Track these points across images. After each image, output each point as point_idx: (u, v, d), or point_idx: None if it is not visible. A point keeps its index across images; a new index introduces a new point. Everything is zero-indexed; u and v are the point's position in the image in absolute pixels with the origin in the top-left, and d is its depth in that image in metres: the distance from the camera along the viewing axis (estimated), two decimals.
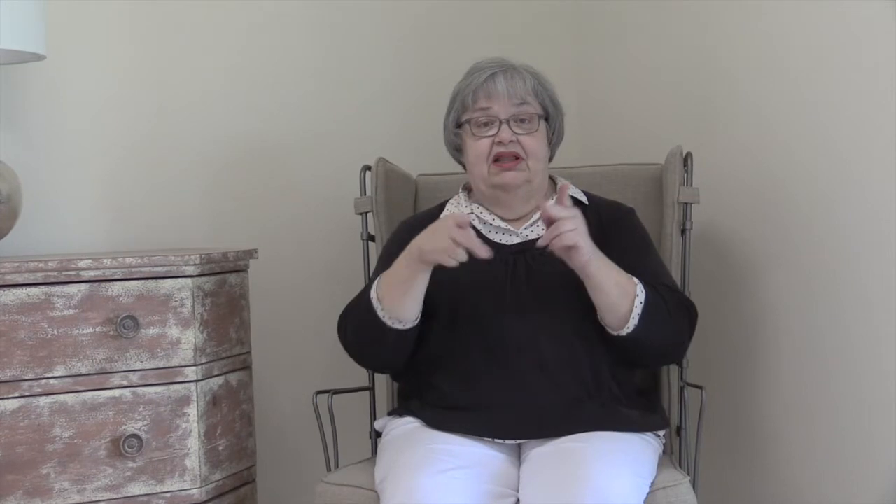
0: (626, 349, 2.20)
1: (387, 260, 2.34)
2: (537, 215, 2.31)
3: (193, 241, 2.80)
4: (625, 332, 2.17)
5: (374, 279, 2.28)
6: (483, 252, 2.10)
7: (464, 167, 2.41)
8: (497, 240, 2.31)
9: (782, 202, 2.49)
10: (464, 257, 2.10)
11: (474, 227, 2.30)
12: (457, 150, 2.38)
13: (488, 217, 2.32)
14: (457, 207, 2.38)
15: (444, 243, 2.10)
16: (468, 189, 2.42)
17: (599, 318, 2.20)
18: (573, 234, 2.09)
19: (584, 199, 2.37)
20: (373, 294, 2.21)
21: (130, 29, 2.74)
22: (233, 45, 2.85)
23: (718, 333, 2.65)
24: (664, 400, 2.43)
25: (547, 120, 2.33)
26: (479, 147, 2.28)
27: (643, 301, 2.16)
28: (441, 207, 2.42)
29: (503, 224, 2.32)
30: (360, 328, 2.24)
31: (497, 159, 2.27)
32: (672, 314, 2.20)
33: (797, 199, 2.45)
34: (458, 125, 2.33)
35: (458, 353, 2.22)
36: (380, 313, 2.19)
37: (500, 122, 2.27)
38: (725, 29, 2.63)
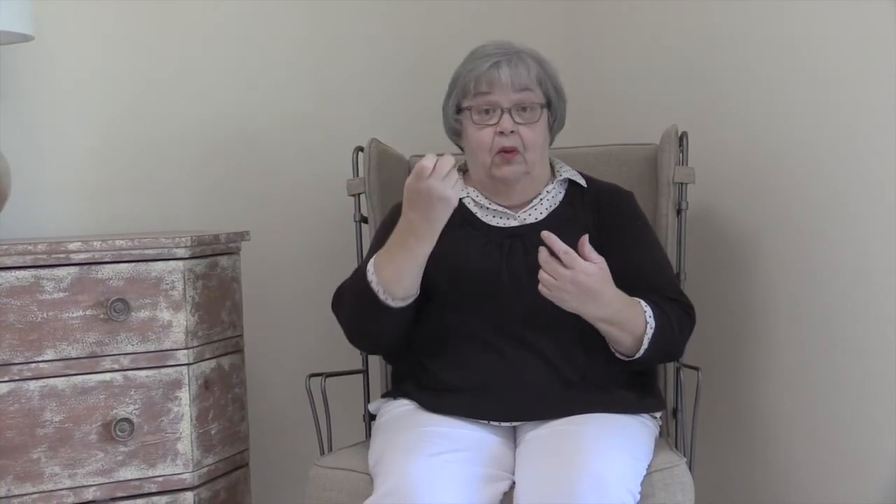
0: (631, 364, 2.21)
1: (380, 244, 2.32)
2: (536, 199, 2.31)
3: (185, 223, 2.78)
4: (633, 357, 2.18)
5: (364, 262, 2.26)
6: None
7: (461, 150, 2.39)
8: (493, 223, 2.29)
9: (779, 181, 2.47)
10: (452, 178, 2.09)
11: (469, 210, 2.30)
12: (456, 135, 2.36)
13: (484, 201, 2.31)
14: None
15: (450, 184, 2.08)
16: (463, 171, 2.40)
17: (609, 344, 2.19)
18: (592, 279, 2.07)
19: (581, 181, 2.35)
20: (370, 271, 2.18)
21: (118, 10, 2.72)
22: (222, 25, 2.82)
23: (715, 315, 2.64)
24: (660, 382, 2.42)
25: (549, 108, 2.30)
26: (481, 137, 2.26)
27: (653, 328, 2.15)
28: None
29: (500, 208, 2.30)
30: (355, 305, 2.21)
31: (500, 151, 2.25)
32: (678, 331, 2.21)
33: (794, 178, 2.43)
34: (458, 110, 2.31)
35: (452, 336, 2.21)
36: (380, 294, 2.16)
37: (502, 111, 2.24)
38: (721, 6, 2.61)
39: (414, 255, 2.14)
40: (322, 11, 2.91)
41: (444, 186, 2.07)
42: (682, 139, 2.47)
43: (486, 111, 2.25)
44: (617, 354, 2.19)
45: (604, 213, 2.29)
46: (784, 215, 2.46)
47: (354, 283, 2.21)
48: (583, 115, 3.06)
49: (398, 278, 2.16)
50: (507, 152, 2.24)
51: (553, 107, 2.32)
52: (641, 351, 2.16)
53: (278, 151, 2.88)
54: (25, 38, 2.45)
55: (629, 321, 2.14)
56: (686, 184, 2.45)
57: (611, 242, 2.23)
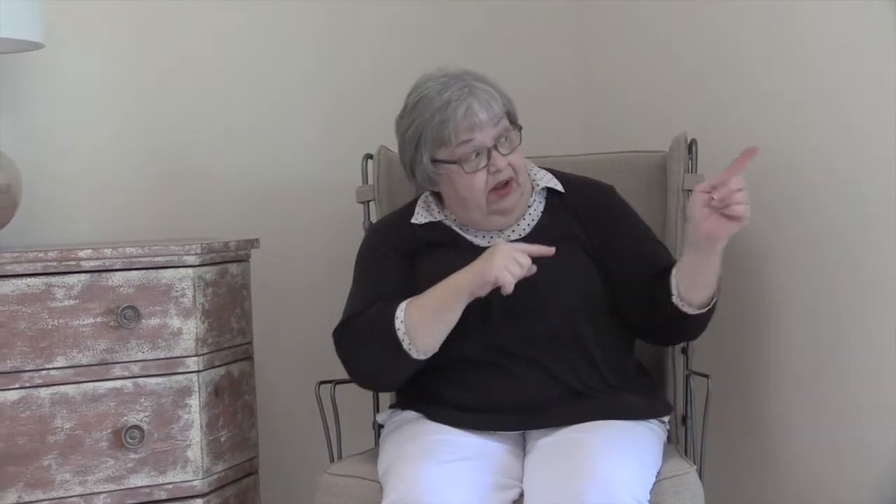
0: (682, 326, 2.16)
1: (366, 268, 2.29)
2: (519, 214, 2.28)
3: (194, 230, 2.78)
4: (705, 309, 2.12)
5: (365, 293, 2.23)
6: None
7: (433, 194, 2.32)
8: (479, 243, 2.26)
9: (789, 188, 2.47)
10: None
11: (454, 230, 2.27)
12: (431, 183, 2.26)
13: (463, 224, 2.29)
14: (427, 212, 2.31)
15: (511, 268, 2.06)
16: (437, 193, 2.32)
17: (679, 297, 2.10)
18: (746, 208, 1.99)
19: (559, 187, 2.31)
20: (399, 329, 2.12)
21: (128, 17, 2.73)
22: (231, 34, 2.83)
23: (724, 322, 2.63)
24: (670, 389, 2.41)
25: (514, 123, 2.25)
26: (475, 182, 2.18)
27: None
28: (410, 208, 2.35)
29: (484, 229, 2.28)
30: (377, 358, 2.16)
31: (493, 188, 2.19)
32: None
33: (804, 184, 2.43)
34: (433, 161, 2.21)
35: (452, 358, 2.18)
36: (409, 350, 2.12)
37: (489, 151, 2.18)
38: (731, 13, 2.61)
39: (445, 307, 2.11)
40: (331, 19, 2.92)
41: (513, 261, 2.06)
42: (691, 146, 2.47)
43: (475, 154, 2.19)
44: (685, 307, 2.11)
45: (589, 214, 2.27)
46: (794, 222, 2.46)
47: (377, 331, 2.14)
48: (592, 122, 3.07)
49: (431, 332, 2.12)
50: (504, 186, 2.19)
51: (515, 121, 2.25)
52: (712, 300, 2.12)
53: (287, 158, 2.88)
54: (35, 46, 2.45)
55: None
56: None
57: (604, 240, 2.24)
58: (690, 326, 2.18)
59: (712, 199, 1.99)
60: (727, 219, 2.00)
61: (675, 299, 2.12)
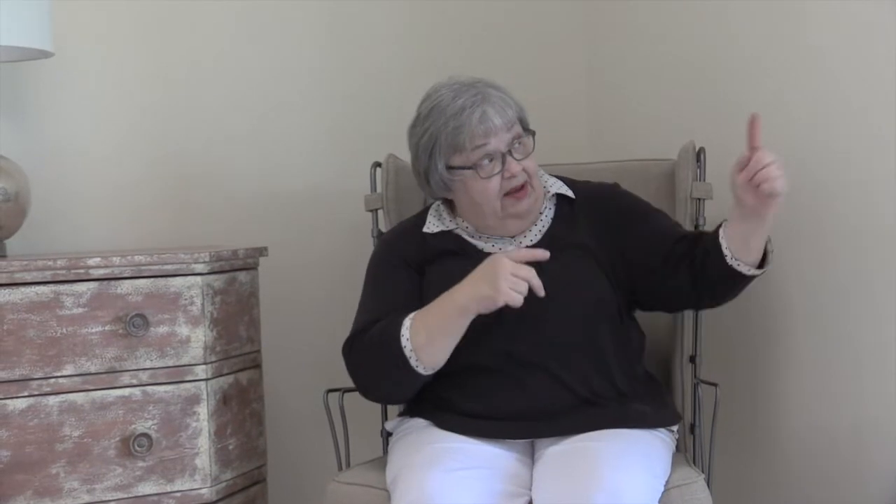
0: (736, 284, 2.17)
1: (375, 281, 2.29)
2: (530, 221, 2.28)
3: (202, 238, 2.78)
4: (759, 270, 2.14)
5: (373, 305, 2.24)
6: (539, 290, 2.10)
7: (444, 201, 2.33)
8: (491, 250, 2.26)
9: (796, 197, 2.46)
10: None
11: (464, 238, 2.28)
12: (446, 190, 2.27)
13: (475, 232, 2.29)
14: (439, 221, 2.31)
15: (518, 287, 2.07)
16: (449, 201, 2.33)
17: (734, 258, 2.11)
18: (782, 182, 2.00)
19: (569, 192, 2.32)
20: (406, 347, 2.12)
21: (137, 26, 2.74)
22: (240, 41, 2.84)
23: (732, 330, 2.63)
24: (678, 397, 2.41)
25: (526, 128, 2.26)
26: (490, 187, 2.19)
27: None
28: (422, 217, 2.36)
29: (495, 234, 2.28)
30: (386, 374, 2.17)
31: (508, 192, 2.21)
32: None
33: (811, 194, 2.43)
34: (448, 168, 2.22)
35: (463, 366, 2.18)
36: (417, 367, 2.13)
37: (503, 155, 2.19)
38: (739, 21, 2.61)
39: (451, 325, 2.12)
40: (340, 26, 2.92)
41: (516, 280, 2.06)
42: (699, 154, 2.47)
43: (489, 160, 2.20)
44: (744, 269, 2.12)
45: (600, 217, 2.27)
46: (802, 230, 2.46)
47: (384, 349, 2.15)
48: (600, 130, 3.07)
49: (437, 350, 2.13)
50: (518, 190, 2.20)
51: (528, 127, 2.27)
52: (770, 256, 2.13)
53: (295, 166, 2.89)
54: (44, 55, 2.46)
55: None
56: (704, 199, 2.45)
57: (623, 234, 2.24)
58: (743, 285, 2.19)
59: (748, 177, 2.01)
60: (765, 195, 2.02)
61: (729, 261, 2.13)
